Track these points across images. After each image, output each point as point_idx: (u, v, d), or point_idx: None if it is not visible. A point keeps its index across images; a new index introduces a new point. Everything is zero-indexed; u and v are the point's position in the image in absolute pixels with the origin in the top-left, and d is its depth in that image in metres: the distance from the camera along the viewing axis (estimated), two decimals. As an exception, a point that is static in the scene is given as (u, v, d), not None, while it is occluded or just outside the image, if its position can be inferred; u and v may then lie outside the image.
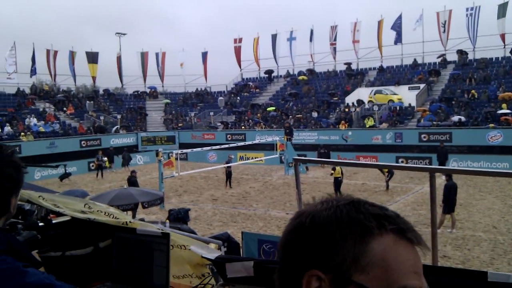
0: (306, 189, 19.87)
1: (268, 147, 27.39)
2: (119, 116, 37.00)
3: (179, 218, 11.12)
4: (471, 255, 11.05)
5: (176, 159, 20.25)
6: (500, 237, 12.48)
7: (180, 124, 37.65)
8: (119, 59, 45.08)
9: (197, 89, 45.66)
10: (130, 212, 12.74)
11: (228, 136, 32.69)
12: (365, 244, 0.73)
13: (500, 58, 34.59)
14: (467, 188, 18.60)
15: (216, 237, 7.18)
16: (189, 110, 40.28)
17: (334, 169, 17.80)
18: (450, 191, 12.94)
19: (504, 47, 34.41)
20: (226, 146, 24.71)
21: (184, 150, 25.74)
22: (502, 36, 34.21)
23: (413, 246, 0.77)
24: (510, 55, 33.87)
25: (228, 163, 22.45)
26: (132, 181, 17.35)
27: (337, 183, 17.50)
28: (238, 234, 9.13)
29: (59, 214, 2.64)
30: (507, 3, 33.52)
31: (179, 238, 2.53)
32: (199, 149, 24.55)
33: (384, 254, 0.74)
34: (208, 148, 24.92)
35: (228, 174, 21.96)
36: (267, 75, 44.72)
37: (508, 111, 25.78)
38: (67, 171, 24.93)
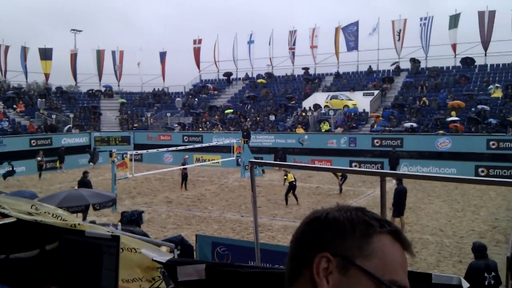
0: (262, 192, 20.00)
1: (225, 150, 27.35)
2: (71, 115, 35.90)
3: (132, 220, 10.90)
4: (419, 258, 11.42)
5: (131, 160, 19.89)
6: (446, 240, 12.99)
7: (135, 125, 36.99)
8: (74, 56, 43.84)
9: (154, 89, 45.04)
10: (81, 214, 12.41)
11: (185, 137, 32.41)
12: (369, 237, 0.92)
13: (450, 67, 36.06)
14: (416, 192, 19.25)
15: (170, 240, 7.11)
16: (145, 111, 39.62)
17: (286, 175, 17.94)
18: (400, 195, 13.37)
19: (455, 57, 35.92)
20: (183, 147, 24.49)
21: (139, 151, 25.28)
22: (453, 46, 35.68)
23: (403, 249, 0.95)
24: (460, 64, 35.39)
25: (184, 165, 22.25)
26: (85, 182, 16.89)
27: (292, 187, 17.69)
28: (192, 237, 9.07)
29: (4, 216, 2.55)
30: (459, 14, 35.01)
31: (130, 241, 2.50)
32: (154, 150, 24.23)
33: (383, 249, 0.91)
34: (164, 149, 24.63)
35: (184, 176, 21.77)
36: (226, 78, 44.69)
37: (457, 118, 26.90)
38: (10, 169, 24.02)
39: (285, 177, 18.00)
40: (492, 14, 33.88)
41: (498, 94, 29.51)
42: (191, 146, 25.56)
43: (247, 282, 1.87)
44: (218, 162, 27.34)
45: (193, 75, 47.10)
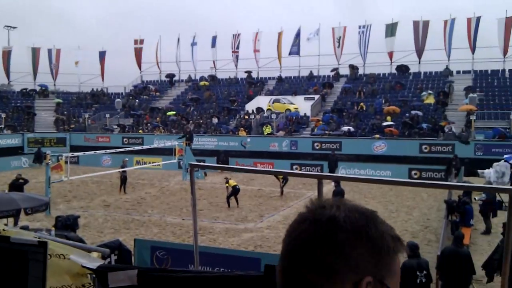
0: (204, 195, 19.87)
1: (167, 152, 26.93)
2: (3, 115, 34.03)
3: (67, 225, 10.46)
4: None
5: (66, 162, 19.12)
6: (381, 239, 13.46)
7: (72, 126, 35.65)
8: (7, 54, 41.66)
9: (92, 89, 43.61)
10: (12, 219, 11.78)
11: (124, 139, 31.60)
12: (396, 256, 0.93)
13: (387, 74, 37.61)
14: (353, 194, 19.83)
15: (107, 245, 6.89)
16: (83, 111, 38.28)
17: (227, 182, 17.86)
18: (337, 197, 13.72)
19: (391, 64, 37.48)
20: (122, 150, 23.86)
21: (76, 153, 24.34)
22: (390, 54, 37.22)
23: None
24: (395, 72, 36.96)
25: (124, 167, 21.68)
26: (17, 185, 16.04)
27: (235, 191, 17.69)
28: (131, 242, 8.85)
29: None
30: (396, 23, 36.57)
31: (58, 247, 2.39)
32: (92, 152, 23.44)
33: (398, 269, 0.94)
34: (102, 151, 23.89)
35: (123, 179, 21.20)
36: (168, 79, 44.09)
37: (392, 123, 28.05)
38: None
39: (226, 184, 17.92)
40: (426, 24, 35.68)
41: (431, 100, 31.08)
42: (131, 149, 24.95)
43: (180, 287, 1.85)
44: (159, 165, 26.87)
45: (134, 75, 46.13)
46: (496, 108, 28.96)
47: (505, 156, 20.02)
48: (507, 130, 26.02)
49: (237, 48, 42.27)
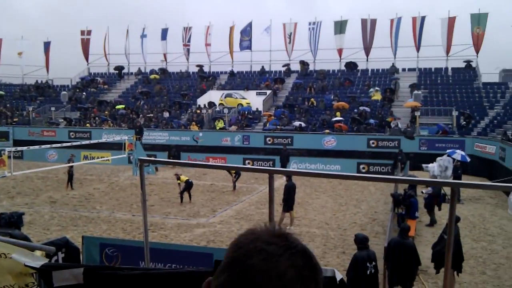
0: (155, 190, 19.56)
1: (116, 147, 26.27)
2: None
3: (12, 223, 9.95)
4: (306, 250, 11.96)
5: (9, 157, 18.25)
6: (331, 232, 13.77)
7: (15, 119, 34.06)
8: None
9: (37, 81, 41.91)
10: None
11: (71, 133, 30.58)
12: None
13: (336, 71, 38.36)
14: (304, 188, 20.14)
15: (53, 243, 6.63)
16: (26, 104, 36.66)
17: (179, 178, 17.63)
18: (290, 191, 13.89)
19: (340, 61, 38.27)
20: (69, 144, 23.06)
21: (19, 148, 23.30)
22: (339, 51, 37.99)
23: None
24: (344, 68, 37.77)
25: (70, 162, 20.95)
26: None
27: (189, 185, 17.50)
28: (79, 239, 8.57)
29: None
30: (345, 21, 37.33)
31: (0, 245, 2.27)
32: (36, 147, 22.50)
33: None
34: (48, 146, 22.99)
35: (70, 174, 20.49)
36: (117, 72, 43.01)
37: (341, 118, 28.68)
38: None
39: (178, 181, 17.69)
40: (373, 22, 36.67)
41: (378, 97, 32.03)
42: (78, 143, 24.14)
43: (127, 284, 1.80)
44: (108, 160, 26.18)
45: (81, 67, 44.72)
46: (439, 105, 30.22)
47: (447, 151, 20.94)
48: (450, 126, 27.23)
49: (188, 41, 41.82)
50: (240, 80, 38.18)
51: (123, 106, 35.14)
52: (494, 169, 22.33)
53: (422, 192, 15.62)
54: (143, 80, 40.67)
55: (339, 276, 1.54)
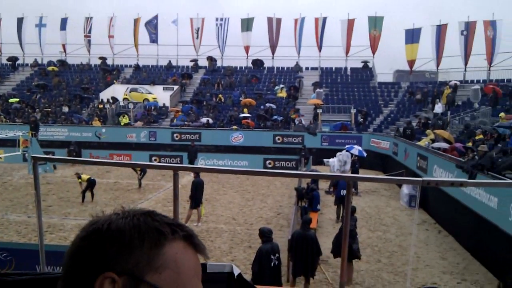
0: (53, 190, 18.46)
1: (10, 143, 24.34)
2: None
3: None
4: (214, 246, 12.05)
5: None
6: (238, 227, 13.98)
7: None
8: None
9: None
10: None
11: (-44, 129, 27.77)
12: (160, 248, 0.81)
13: (243, 68, 38.84)
14: (212, 184, 20.21)
15: None
16: None
17: (79, 177, 16.79)
18: (197, 187, 13.86)
19: (247, 58, 38.81)
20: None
21: None
22: (246, 48, 38.49)
23: (196, 253, 0.87)
24: (251, 65, 38.36)
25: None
26: None
27: (91, 183, 16.73)
28: (-35, 244, 7.85)
29: None
30: (252, 18, 37.86)
31: None
32: None
33: (176, 258, 0.82)
34: None
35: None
36: (10, 63, 39.81)
37: (249, 115, 29.12)
38: None
39: (79, 180, 16.82)
40: (279, 21, 37.64)
41: (283, 94, 33.00)
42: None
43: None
44: (0, 158, 24.19)
45: (-32, 57, 40.71)
46: (339, 103, 31.85)
47: (346, 146, 22.19)
48: (349, 122, 28.83)
49: (90, 32, 39.91)
50: (146, 74, 37.19)
51: (17, 99, 32.63)
52: (388, 163, 24.06)
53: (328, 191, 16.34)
54: (40, 72, 38.06)
55: (237, 271, 1.58)
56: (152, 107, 31.66)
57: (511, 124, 13.81)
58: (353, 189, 13.16)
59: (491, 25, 30.41)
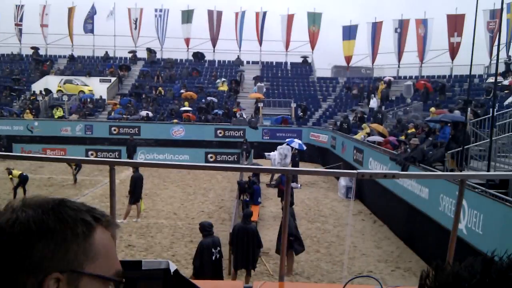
0: (-20, 187, 17.40)
1: None
2: None
3: None
4: (154, 242, 11.86)
5: None
6: (180, 222, 13.83)
7: None
8: None
9: None
10: None
11: None
12: (90, 237, 0.83)
13: (184, 60, 38.31)
14: (152, 178, 19.85)
15: None
16: None
17: (10, 173, 15.91)
18: (136, 182, 13.57)
19: (188, 51, 38.31)
20: None
21: None
22: (187, 40, 37.98)
23: (110, 234, 0.90)
24: (192, 58, 37.93)
25: None
26: None
27: (23, 179, 15.89)
28: None
29: None
30: (192, 10, 37.38)
31: None
32: None
33: (103, 243, 0.85)
34: None
35: None
36: None
37: (189, 108, 28.83)
38: None
39: (10, 176, 15.94)
40: (219, 14, 37.44)
41: (224, 88, 32.93)
42: None
43: None
44: None
45: None
46: (280, 97, 32.27)
47: (287, 140, 22.54)
48: (289, 116, 29.28)
49: (21, 20, 37.83)
50: (81, 66, 35.80)
51: None
52: (326, 156, 24.71)
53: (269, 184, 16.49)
54: (-36, 62, 35.66)
55: (173, 267, 1.56)
56: (88, 100, 30.57)
57: (441, 118, 14.58)
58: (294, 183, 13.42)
59: (422, 23, 31.92)
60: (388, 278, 9.82)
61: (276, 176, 19.13)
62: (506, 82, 19.84)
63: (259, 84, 32.32)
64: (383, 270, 10.51)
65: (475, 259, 0.74)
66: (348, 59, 35.70)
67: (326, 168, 19.36)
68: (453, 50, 30.49)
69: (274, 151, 20.95)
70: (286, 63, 37.84)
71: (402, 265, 10.87)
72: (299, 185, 19.55)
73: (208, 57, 38.22)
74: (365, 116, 25.12)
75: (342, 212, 15.88)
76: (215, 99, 30.35)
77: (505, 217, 7.68)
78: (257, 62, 37.99)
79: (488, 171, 9.66)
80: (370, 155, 16.74)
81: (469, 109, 13.26)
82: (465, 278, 0.68)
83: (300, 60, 37.49)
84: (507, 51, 26.58)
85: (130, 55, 37.83)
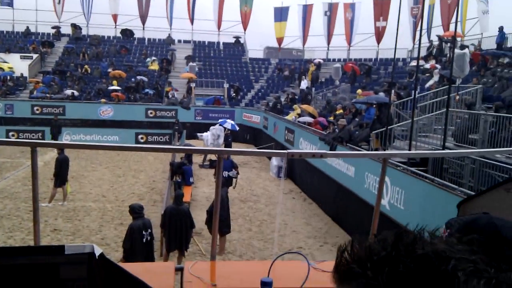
0: None
1: None
2: None
3: None
4: (81, 225, 11.49)
5: None
6: (109, 205, 13.48)
7: None
8: None
9: None
10: None
11: None
12: None
13: (111, 37, 36.78)
14: (79, 160, 19.11)
15: None
16: None
17: None
18: (61, 165, 13.02)
19: (115, 27, 36.81)
20: None
21: None
22: (114, 17, 36.45)
23: None
24: (120, 35, 36.51)
25: None
26: None
27: None
28: None
29: None
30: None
31: None
32: None
33: None
34: None
35: None
36: None
37: (118, 87, 27.86)
38: None
39: None
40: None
41: (155, 67, 32.11)
42: None
43: None
44: None
45: None
46: (212, 77, 32.01)
47: (219, 120, 22.49)
48: (222, 97, 29.18)
49: None
50: (0, 41, 33.34)
51: None
52: (258, 136, 25.00)
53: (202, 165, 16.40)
54: None
55: (98, 251, 1.52)
56: (8, 77, 28.64)
57: (367, 100, 15.19)
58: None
59: (350, 7, 32.80)
60: (317, 253, 10.23)
61: (209, 157, 19.14)
62: (427, 66, 20.94)
63: (191, 63, 31.84)
64: (312, 245, 10.91)
65: (389, 232, 0.73)
66: (279, 40, 36.01)
67: (258, 149, 19.60)
68: (379, 34, 31.65)
69: (206, 132, 20.85)
70: (218, 43, 37.49)
71: (330, 240, 11.34)
72: (235, 171, 19.63)
73: (138, 34, 36.98)
74: (296, 97, 25.60)
75: (274, 191, 16.20)
76: (145, 78, 29.53)
77: (425, 192, 8.22)
78: (189, 41, 37.30)
79: (410, 150, 10.24)
80: (300, 135, 17.15)
81: (393, 91, 13.91)
82: (377, 251, 0.71)
83: (232, 40, 37.29)
84: (429, 36, 28.03)
85: (53, 31, 35.69)
